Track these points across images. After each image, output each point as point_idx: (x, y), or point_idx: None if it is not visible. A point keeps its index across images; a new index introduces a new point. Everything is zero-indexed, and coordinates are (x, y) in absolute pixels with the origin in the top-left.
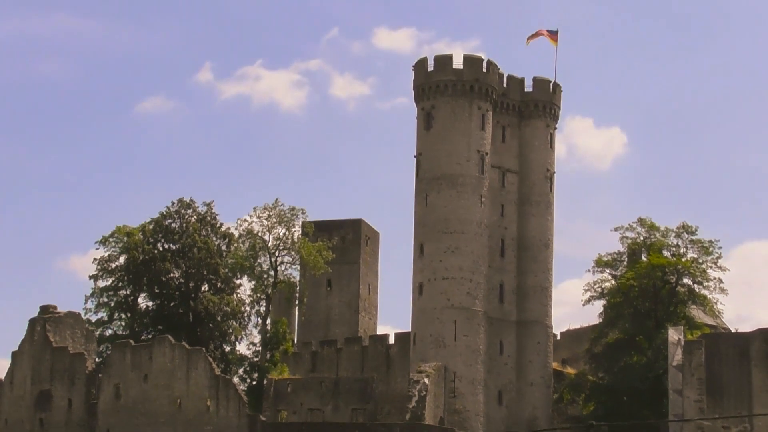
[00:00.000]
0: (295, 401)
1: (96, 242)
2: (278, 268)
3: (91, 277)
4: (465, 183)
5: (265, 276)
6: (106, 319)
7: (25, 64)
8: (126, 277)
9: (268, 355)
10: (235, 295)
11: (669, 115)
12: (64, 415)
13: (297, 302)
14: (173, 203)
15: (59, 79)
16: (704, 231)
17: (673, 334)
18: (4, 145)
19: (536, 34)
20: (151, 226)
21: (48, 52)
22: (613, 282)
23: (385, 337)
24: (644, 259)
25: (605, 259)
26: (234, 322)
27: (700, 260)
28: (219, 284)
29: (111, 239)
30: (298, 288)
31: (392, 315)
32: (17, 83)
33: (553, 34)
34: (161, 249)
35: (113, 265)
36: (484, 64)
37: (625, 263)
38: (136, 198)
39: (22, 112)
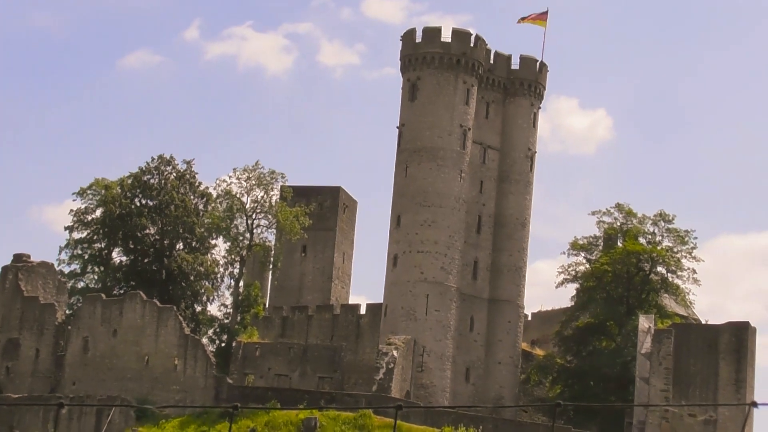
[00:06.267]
0: (263, 365)
1: (73, 193)
2: (254, 231)
3: (66, 228)
4: (446, 157)
5: (241, 238)
6: (78, 271)
7: (13, 15)
8: (101, 231)
9: (238, 318)
10: (209, 255)
11: (654, 100)
12: (30, 364)
13: (271, 266)
14: (153, 159)
15: (45, 30)
16: (681, 221)
17: (644, 322)
18: None
19: (527, 19)
20: (129, 181)
21: (36, 3)
22: (588, 266)
23: (357, 306)
24: (620, 244)
25: (581, 242)
26: (206, 283)
27: (675, 249)
28: (194, 243)
29: (89, 191)
30: (272, 252)
31: (365, 285)
32: (2, 34)
33: (542, 15)
34: (138, 204)
35: (89, 218)
36: (473, 38)
37: (600, 248)
38: (116, 151)
39: (6, 62)
